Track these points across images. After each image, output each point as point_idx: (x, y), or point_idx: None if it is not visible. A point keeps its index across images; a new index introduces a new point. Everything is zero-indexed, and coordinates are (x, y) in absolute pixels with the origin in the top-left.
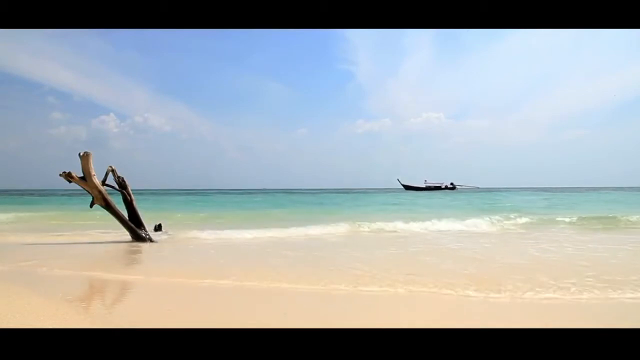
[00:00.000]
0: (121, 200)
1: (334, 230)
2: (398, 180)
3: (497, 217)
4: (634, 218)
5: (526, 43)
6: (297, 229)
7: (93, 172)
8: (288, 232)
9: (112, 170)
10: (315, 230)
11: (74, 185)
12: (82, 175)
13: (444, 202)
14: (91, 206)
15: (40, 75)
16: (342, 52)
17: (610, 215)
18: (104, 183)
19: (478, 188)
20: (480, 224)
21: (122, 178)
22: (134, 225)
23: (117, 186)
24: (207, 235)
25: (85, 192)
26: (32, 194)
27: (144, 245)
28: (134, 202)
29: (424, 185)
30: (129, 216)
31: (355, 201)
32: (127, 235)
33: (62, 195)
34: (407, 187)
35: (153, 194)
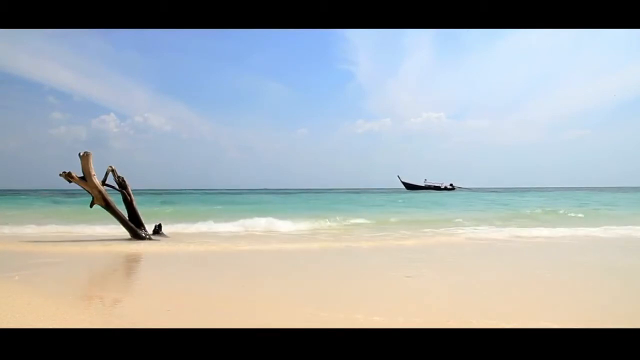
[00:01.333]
0: (121, 200)
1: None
2: (398, 177)
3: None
4: None
5: (526, 43)
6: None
7: (93, 172)
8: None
9: (112, 170)
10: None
11: (73, 185)
12: (82, 175)
13: (491, 202)
14: (91, 206)
15: (40, 75)
16: (342, 52)
17: None
18: (104, 183)
19: (476, 189)
20: None
21: (122, 178)
22: (134, 225)
23: (117, 186)
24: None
25: (86, 192)
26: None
27: (143, 251)
28: (134, 202)
29: (423, 185)
30: (129, 216)
31: (396, 202)
32: (127, 235)
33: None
34: (409, 187)
35: (156, 193)
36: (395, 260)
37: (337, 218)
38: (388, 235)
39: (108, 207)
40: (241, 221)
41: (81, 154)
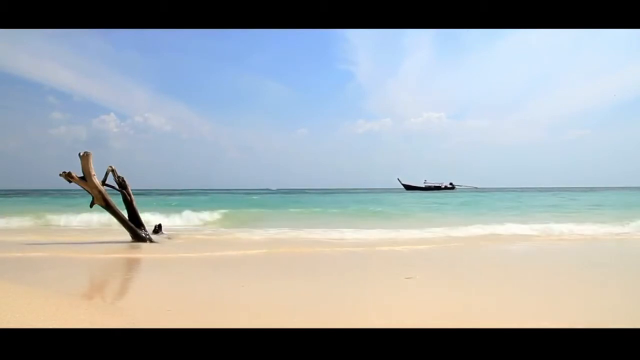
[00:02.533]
0: (121, 201)
1: None
2: (398, 179)
3: None
4: None
5: (526, 43)
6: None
7: (93, 172)
8: None
9: (112, 170)
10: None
11: (73, 185)
12: (82, 175)
13: (509, 203)
14: (91, 206)
15: (40, 75)
16: (342, 52)
17: None
18: (104, 183)
19: (476, 188)
20: None
21: (122, 178)
22: (134, 225)
23: (117, 186)
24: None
25: (86, 192)
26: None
27: (142, 255)
28: (134, 202)
29: (423, 185)
30: (129, 216)
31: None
32: (127, 236)
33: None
34: (408, 187)
35: (161, 193)
36: None
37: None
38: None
39: (108, 207)
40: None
41: (81, 154)
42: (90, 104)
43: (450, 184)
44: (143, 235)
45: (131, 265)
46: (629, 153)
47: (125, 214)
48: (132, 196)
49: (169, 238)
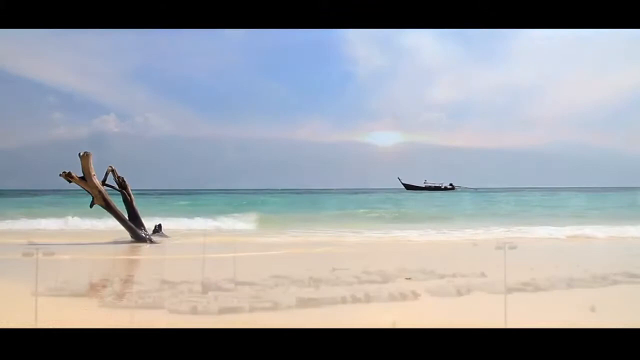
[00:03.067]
0: (121, 201)
1: None
2: (399, 179)
3: None
4: None
5: (526, 43)
6: None
7: (93, 172)
8: None
9: (112, 170)
10: None
11: (73, 185)
12: (82, 175)
13: (540, 204)
14: (91, 206)
15: (40, 75)
16: (342, 52)
17: None
18: (104, 183)
19: (477, 189)
20: None
21: (122, 178)
22: (134, 225)
23: (117, 186)
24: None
25: (86, 192)
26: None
27: (142, 256)
28: (134, 202)
29: (423, 185)
30: (129, 216)
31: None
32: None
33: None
34: (408, 187)
35: (162, 194)
36: None
37: None
38: None
39: (108, 207)
40: None
41: (81, 154)
42: (90, 104)
43: (450, 184)
44: (143, 235)
45: (131, 265)
46: (629, 153)
47: (125, 214)
48: (132, 196)
49: (169, 238)
